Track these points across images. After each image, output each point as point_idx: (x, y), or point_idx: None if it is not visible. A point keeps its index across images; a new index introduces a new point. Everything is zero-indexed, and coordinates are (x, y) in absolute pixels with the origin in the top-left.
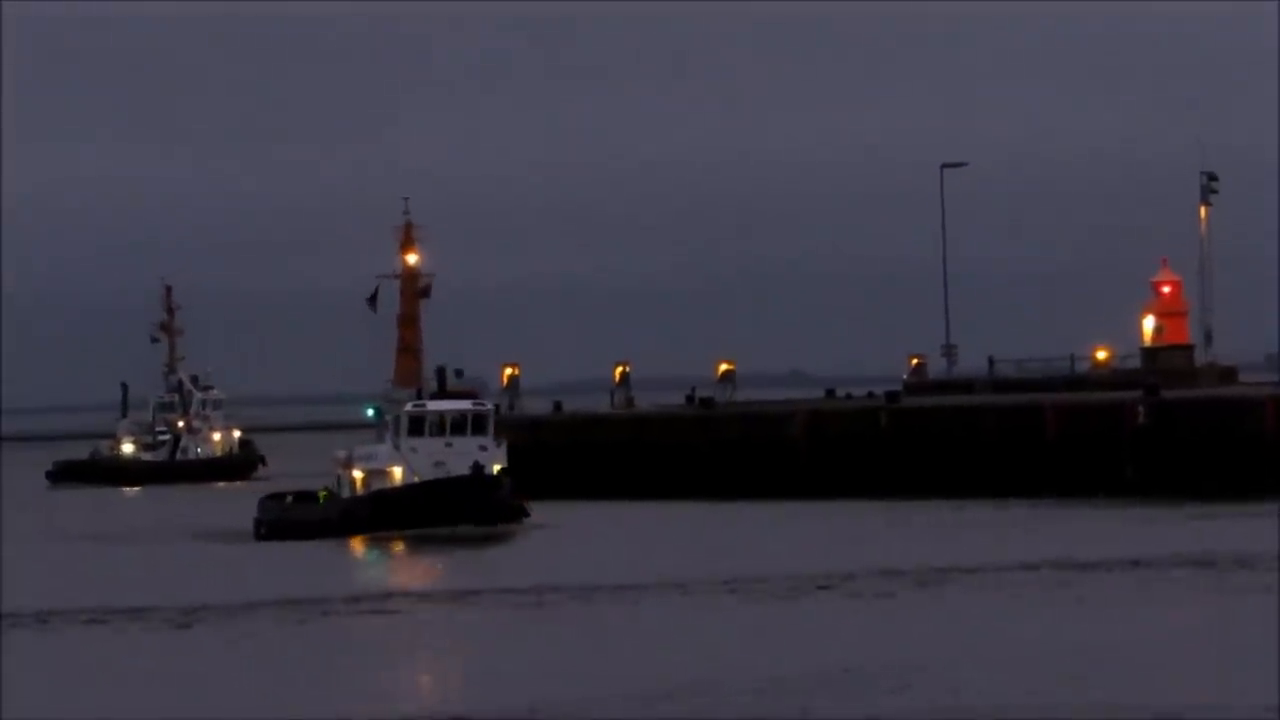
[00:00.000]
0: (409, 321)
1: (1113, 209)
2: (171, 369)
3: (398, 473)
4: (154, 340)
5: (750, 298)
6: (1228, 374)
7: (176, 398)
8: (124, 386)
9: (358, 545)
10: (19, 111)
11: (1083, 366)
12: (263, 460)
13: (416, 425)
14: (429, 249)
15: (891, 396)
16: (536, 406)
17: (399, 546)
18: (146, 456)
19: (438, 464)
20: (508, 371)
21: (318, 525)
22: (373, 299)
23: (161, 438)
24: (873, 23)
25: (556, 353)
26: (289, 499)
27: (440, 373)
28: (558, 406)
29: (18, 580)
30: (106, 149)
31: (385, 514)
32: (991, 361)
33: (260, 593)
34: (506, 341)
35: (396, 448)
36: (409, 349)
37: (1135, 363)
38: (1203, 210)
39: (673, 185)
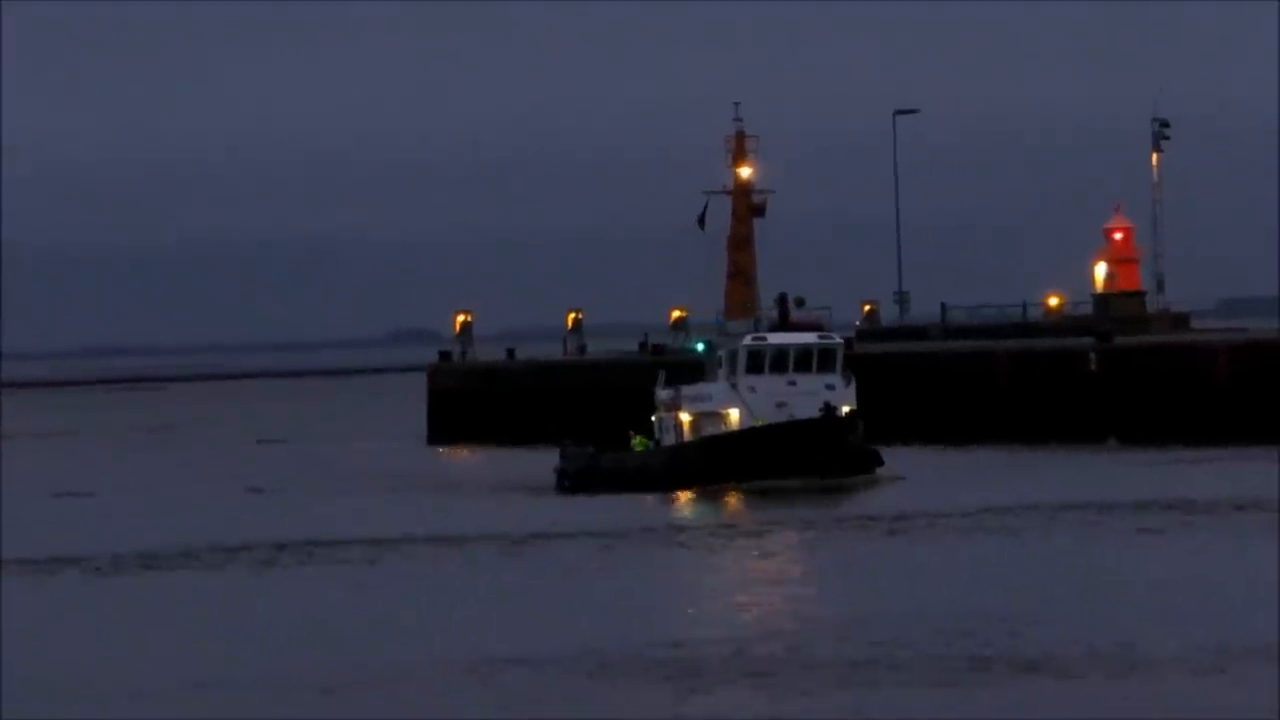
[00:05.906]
0: (742, 243)
1: (1067, 157)
2: None
3: (734, 415)
4: None
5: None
6: (1180, 320)
7: None
8: None
9: (685, 499)
10: None
11: (1035, 313)
12: None
13: (755, 361)
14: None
15: (844, 343)
16: (486, 354)
17: (735, 500)
18: None
19: (780, 405)
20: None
21: (636, 475)
22: (701, 217)
23: None
24: None
25: (506, 299)
26: (590, 448)
27: (782, 301)
28: (510, 353)
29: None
30: None
31: (719, 462)
32: (944, 308)
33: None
34: (458, 290)
35: (733, 386)
36: (742, 274)
37: (1088, 309)
38: (1154, 157)
39: (627, 131)
